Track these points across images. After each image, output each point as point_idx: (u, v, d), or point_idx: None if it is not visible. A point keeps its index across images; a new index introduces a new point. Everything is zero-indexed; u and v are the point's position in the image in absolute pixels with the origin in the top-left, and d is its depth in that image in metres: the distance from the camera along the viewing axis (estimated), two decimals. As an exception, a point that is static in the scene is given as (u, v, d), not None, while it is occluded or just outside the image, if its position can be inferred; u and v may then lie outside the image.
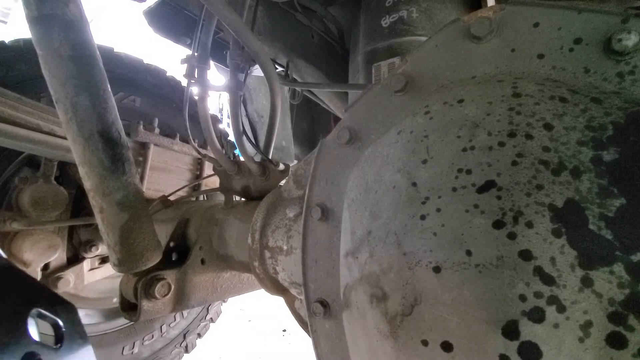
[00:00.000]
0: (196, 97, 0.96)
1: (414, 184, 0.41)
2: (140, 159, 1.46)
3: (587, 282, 0.30)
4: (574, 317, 0.30)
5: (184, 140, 1.62)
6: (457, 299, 0.35)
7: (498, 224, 0.34)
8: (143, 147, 1.47)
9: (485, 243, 0.34)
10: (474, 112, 0.40)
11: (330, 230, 0.53)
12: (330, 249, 0.53)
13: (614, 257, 0.30)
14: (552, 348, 0.30)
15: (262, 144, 1.00)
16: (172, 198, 1.24)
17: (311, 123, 2.21)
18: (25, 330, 0.42)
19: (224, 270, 0.96)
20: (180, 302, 0.88)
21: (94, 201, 0.74)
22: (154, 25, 1.35)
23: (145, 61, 1.70)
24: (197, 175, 1.73)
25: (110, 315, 1.56)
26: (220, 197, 1.12)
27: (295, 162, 2.08)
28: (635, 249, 0.29)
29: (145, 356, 1.64)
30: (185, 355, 1.82)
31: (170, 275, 0.86)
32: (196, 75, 0.92)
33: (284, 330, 3.24)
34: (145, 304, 0.82)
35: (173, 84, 1.79)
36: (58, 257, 1.30)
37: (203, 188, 1.72)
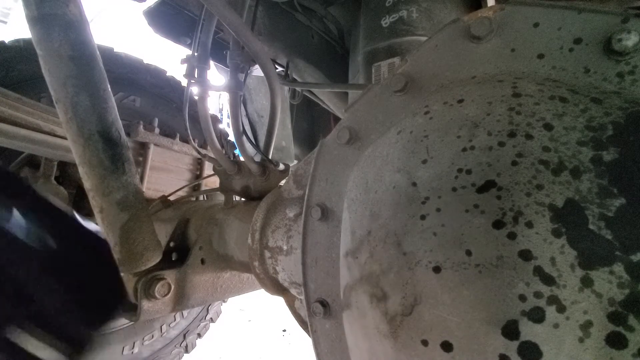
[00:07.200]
0: (196, 97, 0.96)
1: (414, 184, 0.41)
2: (140, 159, 1.46)
3: (587, 282, 0.30)
4: (574, 317, 0.30)
5: (184, 140, 1.63)
6: (457, 299, 0.35)
7: (498, 224, 0.34)
8: (143, 147, 1.47)
9: (485, 243, 0.34)
10: (474, 112, 0.40)
11: (330, 230, 0.53)
12: (330, 249, 0.53)
13: (614, 257, 0.30)
14: (552, 348, 0.30)
15: (262, 144, 1.00)
16: (172, 198, 1.24)
17: (311, 123, 2.21)
18: None
19: (224, 270, 0.96)
20: (180, 302, 0.89)
21: (94, 201, 0.74)
22: (154, 25, 1.35)
23: (145, 61, 1.70)
24: (197, 175, 1.73)
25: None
26: (220, 197, 1.12)
27: (295, 162, 2.08)
28: (635, 249, 0.29)
29: (145, 356, 1.64)
30: (185, 355, 1.82)
31: (170, 275, 0.86)
32: (196, 75, 0.92)
33: (284, 330, 3.24)
34: (145, 304, 0.82)
35: (173, 84, 1.79)
36: (58, 257, 1.30)
37: (203, 188, 1.72)
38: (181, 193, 1.45)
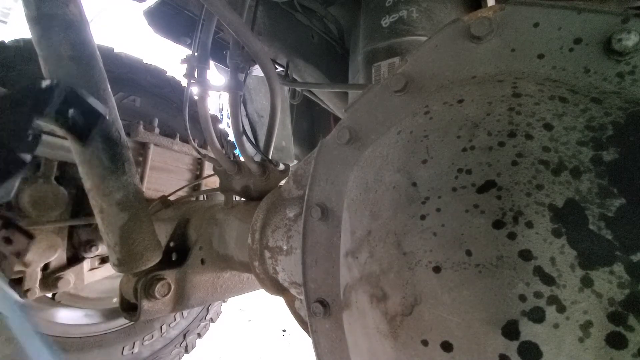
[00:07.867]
0: (196, 97, 0.96)
1: (414, 184, 0.41)
2: (140, 159, 1.46)
3: (587, 282, 0.30)
4: (574, 317, 0.30)
5: (184, 140, 1.62)
6: (457, 299, 0.35)
7: (498, 224, 0.34)
8: (143, 147, 1.47)
9: (485, 243, 0.34)
10: (474, 112, 0.40)
11: (330, 230, 0.53)
12: (330, 248, 0.53)
13: (614, 257, 0.30)
14: (552, 348, 0.30)
15: (262, 144, 1.00)
16: (172, 198, 1.24)
17: (311, 123, 2.21)
18: None
19: (224, 270, 0.96)
20: (180, 302, 0.89)
21: (94, 201, 0.74)
22: (154, 25, 1.35)
23: (145, 61, 1.70)
24: (197, 175, 1.73)
25: (110, 315, 1.56)
26: (220, 197, 1.12)
27: (295, 162, 2.08)
28: (635, 249, 0.29)
29: (145, 356, 1.64)
30: (185, 355, 1.82)
31: (170, 275, 0.86)
32: (196, 75, 0.92)
33: (284, 330, 3.24)
34: (145, 304, 0.82)
35: (173, 84, 1.79)
36: (58, 257, 1.30)
37: (203, 188, 1.72)
38: (181, 193, 1.45)
